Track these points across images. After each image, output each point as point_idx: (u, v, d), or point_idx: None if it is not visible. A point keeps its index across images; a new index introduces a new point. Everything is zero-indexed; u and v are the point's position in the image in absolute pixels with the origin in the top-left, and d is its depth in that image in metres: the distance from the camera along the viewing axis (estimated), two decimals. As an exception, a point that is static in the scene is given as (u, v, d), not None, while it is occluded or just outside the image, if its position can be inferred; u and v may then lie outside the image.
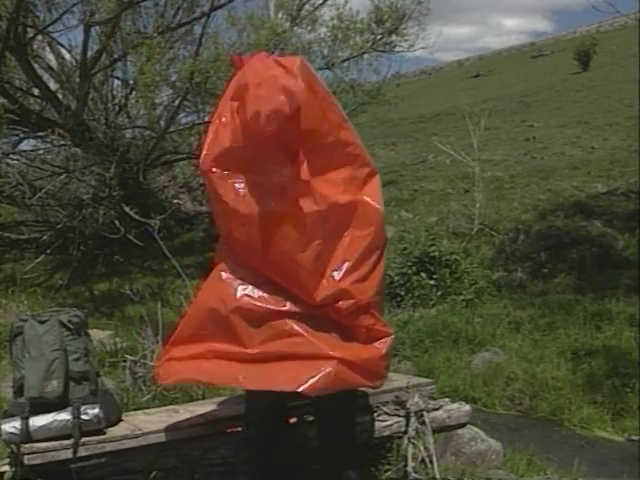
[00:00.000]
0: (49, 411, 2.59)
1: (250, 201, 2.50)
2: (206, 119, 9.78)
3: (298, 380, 2.34)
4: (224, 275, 2.58)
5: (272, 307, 2.49)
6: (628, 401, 4.59)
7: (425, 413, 3.06)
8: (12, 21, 7.63)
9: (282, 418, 2.78)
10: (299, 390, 2.32)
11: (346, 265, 2.51)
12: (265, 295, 2.51)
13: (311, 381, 2.33)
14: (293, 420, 2.93)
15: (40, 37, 9.22)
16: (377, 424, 3.05)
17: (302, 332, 2.45)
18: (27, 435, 2.56)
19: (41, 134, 9.81)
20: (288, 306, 2.50)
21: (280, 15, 10.37)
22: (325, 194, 2.51)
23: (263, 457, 2.69)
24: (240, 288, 2.53)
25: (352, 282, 2.50)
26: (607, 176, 9.69)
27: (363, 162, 2.65)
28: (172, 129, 9.98)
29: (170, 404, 3.33)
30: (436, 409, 3.19)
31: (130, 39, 9.09)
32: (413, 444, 2.99)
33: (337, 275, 2.51)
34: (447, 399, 3.38)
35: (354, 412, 2.77)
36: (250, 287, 2.53)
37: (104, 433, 2.67)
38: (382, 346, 2.53)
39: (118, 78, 10.53)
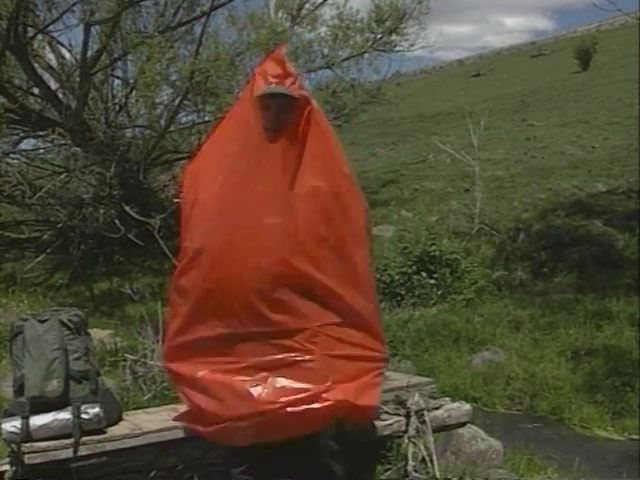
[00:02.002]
0: (49, 410, 2.59)
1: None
2: (206, 118, 9.79)
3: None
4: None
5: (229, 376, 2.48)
6: (628, 400, 4.60)
7: (425, 412, 3.06)
8: (12, 20, 7.63)
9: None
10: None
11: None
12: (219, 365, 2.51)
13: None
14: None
15: (40, 36, 9.22)
16: (377, 423, 3.04)
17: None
18: (27, 434, 2.57)
19: (41, 133, 9.80)
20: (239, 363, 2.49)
21: (280, 14, 10.40)
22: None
23: (261, 458, 2.68)
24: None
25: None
26: (607, 175, 9.67)
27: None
28: (172, 128, 9.97)
29: (170, 403, 3.33)
30: (436, 408, 3.19)
31: (130, 38, 9.07)
32: (413, 443, 2.99)
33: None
34: (447, 398, 3.39)
35: None
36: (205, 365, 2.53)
37: (104, 432, 2.68)
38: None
39: (118, 77, 10.53)
